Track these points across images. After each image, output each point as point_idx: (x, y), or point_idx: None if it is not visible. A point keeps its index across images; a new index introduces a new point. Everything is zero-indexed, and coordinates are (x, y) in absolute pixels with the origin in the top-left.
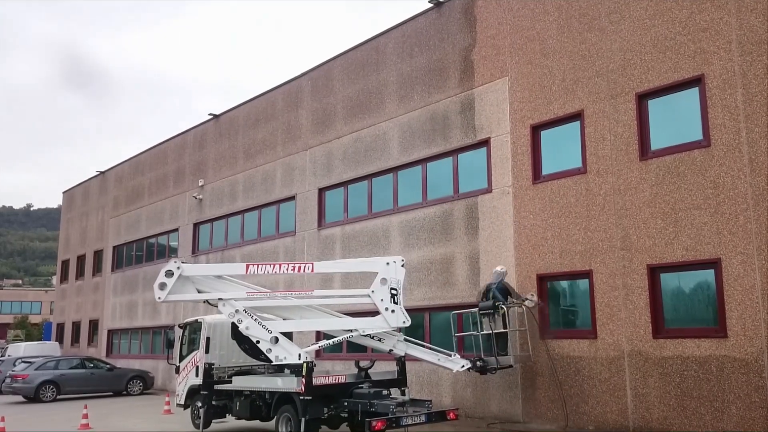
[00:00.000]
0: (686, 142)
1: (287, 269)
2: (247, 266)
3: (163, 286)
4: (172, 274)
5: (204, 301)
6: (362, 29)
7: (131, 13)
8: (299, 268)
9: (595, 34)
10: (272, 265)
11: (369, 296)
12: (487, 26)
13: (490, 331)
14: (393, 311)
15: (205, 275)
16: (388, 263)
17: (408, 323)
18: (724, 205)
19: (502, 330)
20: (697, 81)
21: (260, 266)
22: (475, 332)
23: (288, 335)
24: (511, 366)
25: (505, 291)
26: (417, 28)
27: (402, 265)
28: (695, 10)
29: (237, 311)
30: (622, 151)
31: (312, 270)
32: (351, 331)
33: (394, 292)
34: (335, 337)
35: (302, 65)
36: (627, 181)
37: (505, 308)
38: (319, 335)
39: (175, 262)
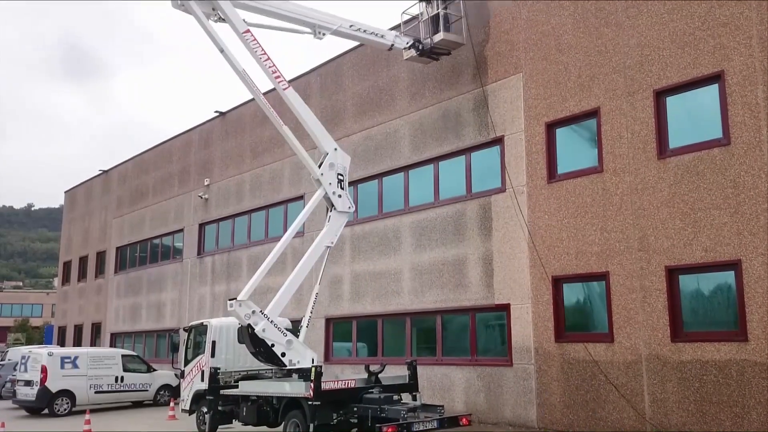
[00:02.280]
0: (705, 140)
1: (269, 66)
2: (247, 30)
3: None
4: None
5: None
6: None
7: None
8: (277, 76)
9: (612, 29)
10: (262, 51)
11: (319, 179)
12: (500, 21)
13: (427, 15)
14: (340, 196)
15: (220, 4)
16: (336, 149)
17: (353, 209)
18: (745, 205)
19: (437, 11)
20: (716, 77)
21: (255, 41)
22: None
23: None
24: (444, 50)
25: None
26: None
27: (346, 154)
28: (714, 5)
29: (253, 312)
30: (640, 149)
31: (285, 89)
32: (328, 248)
33: (340, 177)
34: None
35: (311, 61)
36: (644, 181)
37: None
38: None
39: None
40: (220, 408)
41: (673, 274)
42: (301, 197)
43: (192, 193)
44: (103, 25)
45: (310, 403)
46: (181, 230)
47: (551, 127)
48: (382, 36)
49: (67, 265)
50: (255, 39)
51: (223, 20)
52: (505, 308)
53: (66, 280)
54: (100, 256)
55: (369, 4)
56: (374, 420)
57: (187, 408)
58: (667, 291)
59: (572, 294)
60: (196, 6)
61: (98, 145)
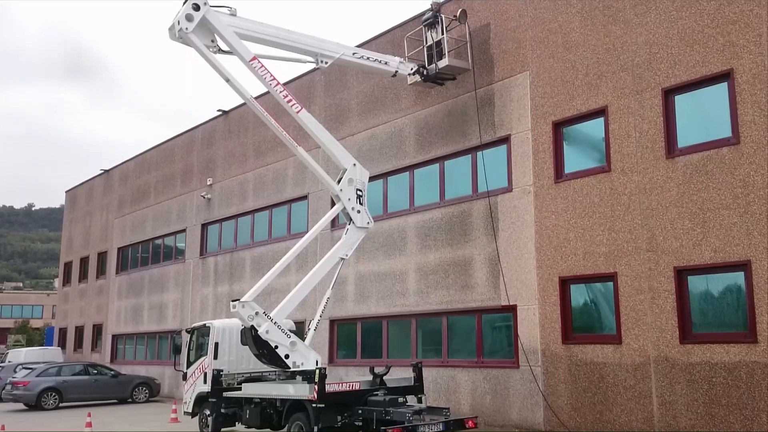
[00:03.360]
0: (714, 139)
1: (281, 91)
2: (254, 58)
3: (190, 17)
4: (199, 8)
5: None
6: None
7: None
8: (289, 100)
9: (620, 26)
10: (272, 77)
11: (338, 195)
12: (507, 19)
13: (432, 41)
14: (359, 211)
15: (221, 32)
16: (354, 164)
17: (372, 224)
18: (754, 205)
19: (441, 37)
20: (725, 76)
21: (263, 68)
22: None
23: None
24: (449, 75)
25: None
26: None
27: (364, 169)
28: (724, 2)
29: (257, 314)
30: (648, 148)
31: (298, 112)
32: (342, 259)
33: (359, 192)
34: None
35: None
36: (653, 180)
37: (443, 15)
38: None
39: None
40: (223, 410)
41: (681, 275)
42: (305, 197)
43: (194, 192)
44: (104, 24)
45: (314, 405)
46: (184, 230)
47: (558, 126)
48: (386, 63)
49: (68, 266)
50: (263, 65)
51: (224, 52)
52: (512, 309)
53: (67, 280)
54: (102, 257)
55: (369, 4)
56: (379, 423)
57: (190, 410)
58: (676, 292)
59: (580, 295)
60: (195, 38)
61: (99, 144)
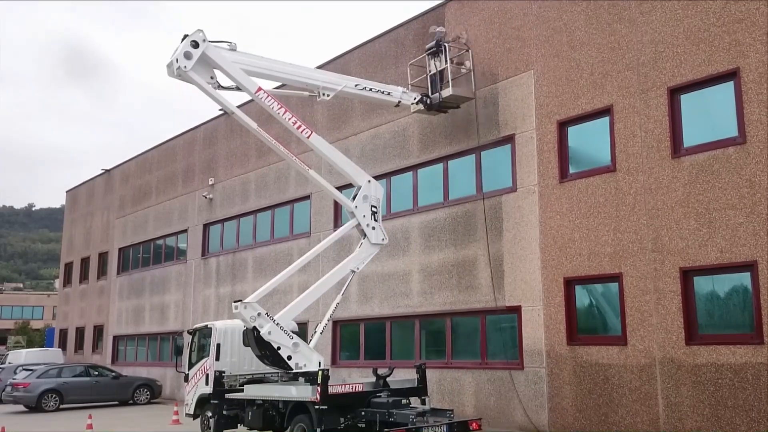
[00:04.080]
0: (720, 138)
1: (289, 118)
2: (259, 89)
3: (189, 55)
4: (198, 45)
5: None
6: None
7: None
8: (300, 126)
9: (625, 25)
10: (280, 105)
11: (353, 212)
12: (511, 17)
13: (435, 70)
14: (374, 228)
15: (222, 67)
16: (369, 181)
17: (386, 241)
18: (761, 205)
19: (445, 66)
20: (731, 75)
21: (270, 98)
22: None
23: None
24: (453, 104)
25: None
26: (438, 20)
27: (379, 185)
28: (730, 1)
29: (259, 314)
30: (654, 148)
31: (309, 137)
32: (352, 272)
33: (374, 209)
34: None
35: (319, 58)
36: (658, 180)
37: (446, 44)
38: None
39: (200, 32)
40: (224, 412)
41: (687, 275)
42: (307, 197)
43: (196, 192)
44: (106, 23)
45: (317, 407)
46: (185, 231)
47: (563, 126)
48: (389, 93)
49: (68, 267)
50: (268, 95)
51: (225, 87)
52: (516, 310)
53: (67, 281)
54: (103, 257)
55: (371, 4)
56: (382, 424)
57: (192, 412)
58: (682, 293)
59: (585, 296)
60: (195, 76)
61: (100, 144)
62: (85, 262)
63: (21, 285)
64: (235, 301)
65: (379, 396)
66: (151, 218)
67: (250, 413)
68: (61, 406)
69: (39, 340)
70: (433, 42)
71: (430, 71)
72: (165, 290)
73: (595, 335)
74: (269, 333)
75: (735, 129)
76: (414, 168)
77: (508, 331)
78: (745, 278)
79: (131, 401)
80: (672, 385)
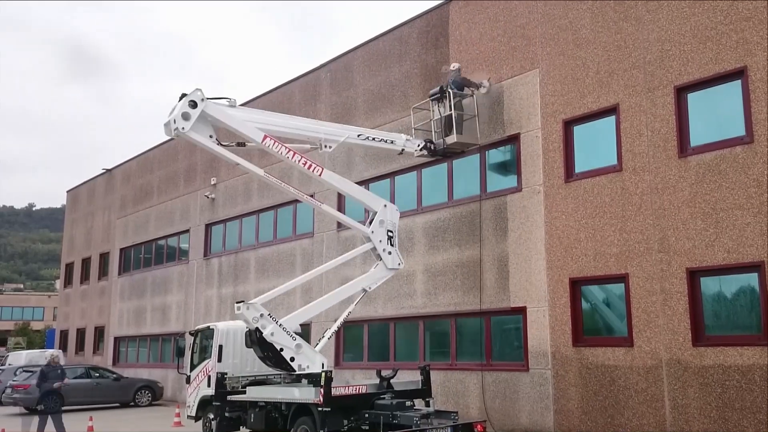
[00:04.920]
0: (728, 138)
1: (299, 160)
2: (265, 137)
3: (187, 116)
4: (196, 105)
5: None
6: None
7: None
8: (310, 166)
9: (632, 23)
10: (288, 149)
11: (369, 237)
12: (516, 15)
13: (440, 116)
14: (390, 253)
15: (224, 122)
16: (385, 205)
17: (402, 265)
18: None
19: (449, 113)
20: (739, 73)
21: (276, 143)
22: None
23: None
24: (457, 150)
25: (460, 84)
26: (442, 18)
27: (396, 210)
28: None
29: (261, 315)
30: (660, 147)
31: (320, 174)
32: (364, 291)
33: (390, 234)
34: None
35: (322, 56)
36: (665, 180)
37: (450, 91)
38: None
39: (199, 91)
40: (227, 414)
41: (694, 276)
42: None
43: (198, 192)
44: (108, 22)
45: (320, 409)
46: (187, 231)
47: (569, 125)
48: (392, 142)
49: (69, 267)
50: (275, 140)
51: (224, 145)
52: (521, 311)
53: (68, 282)
54: (104, 258)
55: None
56: (386, 427)
57: (193, 414)
58: (689, 294)
59: (590, 297)
60: (195, 135)
61: (101, 143)
62: (86, 262)
63: (21, 286)
64: (237, 302)
65: (383, 398)
66: (152, 218)
67: (252, 415)
68: (62, 408)
69: (39, 342)
70: (437, 88)
71: (433, 116)
72: (167, 291)
73: (601, 336)
74: (272, 334)
75: (742, 128)
76: (418, 168)
77: (513, 332)
78: (752, 279)
79: (132, 403)
80: (679, 387)
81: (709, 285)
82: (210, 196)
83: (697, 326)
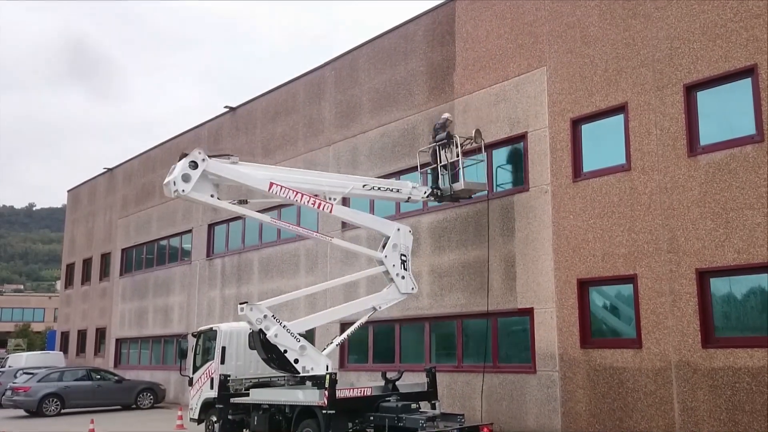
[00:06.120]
0: (738, 136)
1: (308, 201)
2: (271, 184)
3: (187, 177)
4: (197, 165)
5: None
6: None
7: None
8: (319, 204)
9: (640, 20)
10: (295, 192)
11: (382, 261)
12: (523, 12)
13: (446, 162)
14: (403, 277)
15: (229, 178)
16: (398, 229)
17: (416, 290)
18: None
19: (456, 159)
20: (749, 71)
21: (283, 189)
22: (434, 165)
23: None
24: (465, 195)
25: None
26: (448, 15)
27: (409, 232)
28: None
29: (265, 317)
30: (669, 146)
31: (331, 210)
32: (374, 309)
33: (404, 258)
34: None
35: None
36: (674, 179)
37: (458, 137)
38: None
39: (200, 153)
40: (230, 417)
41: (704, 276)
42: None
43: None
44: (108, 21)
45: (324, 411)
46: (190, 231)
47: (576, 123)
48: (398, 190)
49: (70, 268)
50: (281, 186)
51: (223, 202)
52: (528, 313)
53: (69, 283)
54: (105, 258)
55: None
56: (391, 429)
57: (196, 417)
58: (698, 295)
59: (598, 298)
60: (197, 194)
61: (102, 142)
62: (87, 263)
63: (21, 286)
64: (240, 303)
65: (388, 400)
66: (154, 218)
67: (255, 418)
68: (63, 411)
69: (40, 343)
70: (444, 133)
71: (440, 161)
72: (169, 292)
73: (610, 338)
74: (275, 335)
75: (753, 127)
76: (423, 168)
77: (520, 333)
78: (762, 280)
79: (134, 406)
80: (688, 389)
81: (719, 286)
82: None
83: (707, 328)
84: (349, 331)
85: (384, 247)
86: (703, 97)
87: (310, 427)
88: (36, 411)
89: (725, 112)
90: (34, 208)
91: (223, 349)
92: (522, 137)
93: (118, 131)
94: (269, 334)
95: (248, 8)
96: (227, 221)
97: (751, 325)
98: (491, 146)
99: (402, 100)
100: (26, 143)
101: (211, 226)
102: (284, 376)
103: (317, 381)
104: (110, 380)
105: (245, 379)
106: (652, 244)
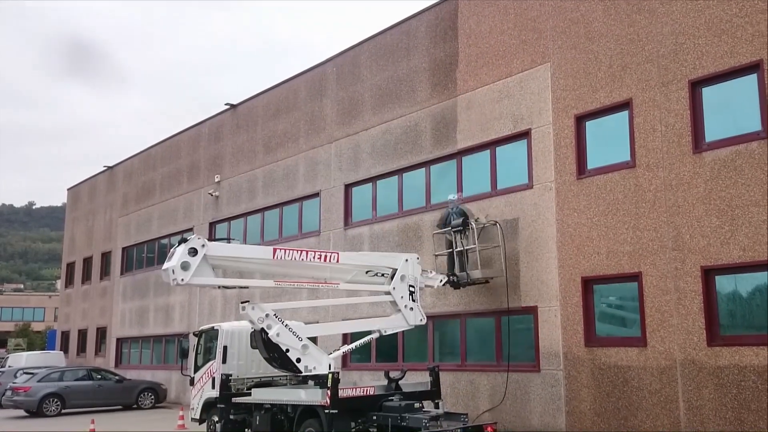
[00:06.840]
0: (743, 133)
1: (314, 257)
2: (275, 250)
3: (186, 266)
4: (196, 252)
5: (221, 287)
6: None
7: None
8: (325, 257)
9: (645, 16)
10: (299, 252)
11: (390, 293)
12: (526, 7)
13: (462, 248)
14: (412, 309)
15: (232, 256)
16: (407, 260)
17: (424, 321)
18: None
19: (472, 246)
20: (755, 67)
21: (287, 251)
22: (450, 250)
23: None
24: (481, 281)
25: (463, 213)
26: (451, 11)
27: (417, 262)
28: None
29: (267, 315)
30: (674, 143)
31: (338, 260)
32: (379, 332)
33: (411, 289)
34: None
35: (327, 50)
36: (679, 176)
37: (474, 225)
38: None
39: (199, 238)
40: (231, 417)
41: (709, 274)
42: (316, 194)
43: (202, 190)
44: (108, 20)
45: (326, 411)
46: (191, 229)
47: (581, 120)
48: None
49: (70, 267)
50: (285, 249)
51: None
52: (532, 311)
53: (69, 282)
54: (105, 257)
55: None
56: (395, 429)
57: (197, 417)
58: (703, 292)
59: (603, 296)
60: (197, 279)
61: (102, 142)
62: (87, 262)
63: (21, 286)
64: (242, 302)
65: (391, 399)
66: (155, 216)
67: (257, 418)
68: (63, 411)
69: (40, 343)
70: (460, 220)
71: (456, 248)
72: (170, 291)
73: (614, 336)
74: (278, 335)
75: (758, 123)
76: (427, 164)
77: (523, 332)
78: None
79: (135, 405)
80: (693, 388)
81: (724, 283)
82: (214, 194)
83: (712, 326)
84: (354, 345)
85: (392, 279)
86: (708, 93)
87: (313, 427)
88: (36, 411)
89: (730, 109)
90: (33, 207)
91: (225, 348)
92: (526, 134)
93: (118, 129)
94: (271, 333)
95: (245, 8)
96: (228, 219)
97: (756, 323)
98: (494, 143)
99: (404, 96)
100: (25, 141)
101: (212, 225)
102: (286, 376)
103: (320, 380)
104: (111, 380)
105: (247, 378)
106: (657, 242)
